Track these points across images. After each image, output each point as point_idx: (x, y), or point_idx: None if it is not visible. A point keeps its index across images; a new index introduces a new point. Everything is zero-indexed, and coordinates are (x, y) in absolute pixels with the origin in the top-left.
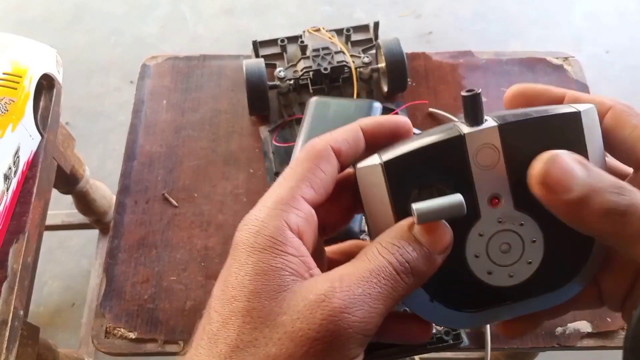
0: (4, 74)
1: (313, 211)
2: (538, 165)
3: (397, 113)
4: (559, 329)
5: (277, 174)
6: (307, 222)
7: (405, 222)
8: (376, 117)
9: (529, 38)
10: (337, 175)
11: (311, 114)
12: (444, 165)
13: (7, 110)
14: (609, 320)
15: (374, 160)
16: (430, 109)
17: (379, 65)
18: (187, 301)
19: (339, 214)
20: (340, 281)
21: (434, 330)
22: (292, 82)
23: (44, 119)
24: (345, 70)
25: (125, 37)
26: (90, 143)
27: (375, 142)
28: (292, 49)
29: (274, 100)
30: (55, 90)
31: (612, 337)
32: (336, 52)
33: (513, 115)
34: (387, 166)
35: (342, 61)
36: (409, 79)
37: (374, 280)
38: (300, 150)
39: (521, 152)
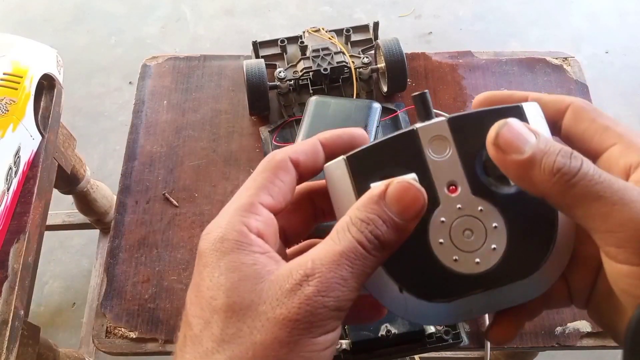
0: (4, 74)
1: (272, 216)
2: (492, 129)
3: (397, 114)
4: (559, 329)
5: None
6: (266, 226)
7: (374, 192)
8: (334, 130)
9: (529, 38)
10: (296, 186)
11: (311, 113)
12: (401, 157)
13: (8, 111)
14: None
15: (339, 157)
16: None
17: (379, 66)
18: None
19: (300, 222)
20: (313, 267)
21: (433, 330)
22: (292, 82)
23: (45, 119)
24: (345, 71)
25: (125, 37)
26: (91, 143)
27: (333, 153)
28: (292, 50)
29: (274, 100)
30: (55, 90)
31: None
32: (336, 53)
33: (462, 112)
34: (350, 160)
35: (342, 61)
36: (408, 79)
37: (345, 262)
38: (261, 161)
39: (470, 141)
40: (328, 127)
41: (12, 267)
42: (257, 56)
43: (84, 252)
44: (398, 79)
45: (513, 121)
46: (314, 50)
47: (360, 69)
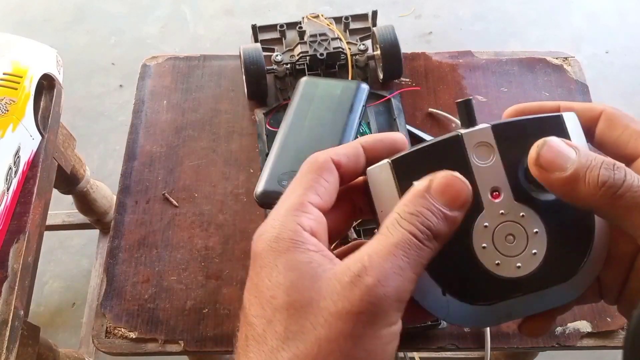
0: (4, 74)
1: (322, 215)
2: (533, 150)
3: (389, 99)
4: (559, 329)
5: (267, 156)
6: (318, 224)
7: (419, 187)
8: (376, 135)
9: (529, 38)
10: (339, 187)
11: (300, 93)
12: (446, 162)
13: (8, 111)
14: (609, 320)
15: (383, 161)
16: (430, 109)
17: (375, 53)
18: (187, 301)
19: (341, 221)
20: (370, 260)
21: None
22: (288, 66)
23: (45, 119)
24: (342, 57)
25: (125, 37)
26: (91, 143)
27: (375, 156)
28: (292, 35)
29: (271, 84)
30: (55, 90)
31: (612, 337)
32: (333, 39)
33: (505, 120)
34: (395, 164)
35: (339, 47)
36: (408, 79)
37: (400, 253)
38: (304, 163)
39: (514, 148)
40: (316, 107)
41: (12, 267)
42: (256, 40)
43: (84, 252)
44: (393, 65)
45: (552, 140)
46: (311, 36)
47: (357, 56)
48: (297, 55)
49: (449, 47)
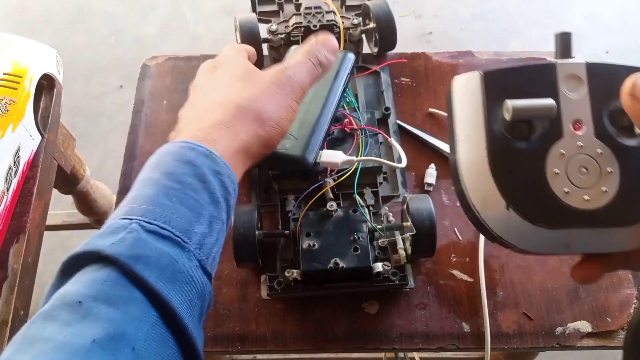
0: (4, 74)
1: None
2: (628, 80)
3: (377, 71)
4: (559, 329)
5: None
6: (254, 57)
7: (313, 40)
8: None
9: (529, 38)
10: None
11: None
12: (536, 85)
13: (8, 111)
14: (609, 320)
15: (474, 72)
16: (430, 109)
17: (368, 27)
18: None
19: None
20: (288, 63)
21: (381, 270)
22: (283, 36)
23: (44, 119)
24: (336, 31)
25: (125, 37)
26: (91, 143)
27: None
28: (290, 8)
29: (268, 58)
30: (55, 90)
31: (612, 337)
32: (327, 12)
33: (602, 62)
34: (486, 76)
35: (332, 20)
36: (408, 79)
37: (302, 60)
38: (228, 46)
39: (604, 89)
40: None
41: (12, 267)
42: (254, 11)
43: None
44: (388, 35)
45: None
46: (306, 8)
47: (350, 30)
48: (292, 26)
49: (449, 47)
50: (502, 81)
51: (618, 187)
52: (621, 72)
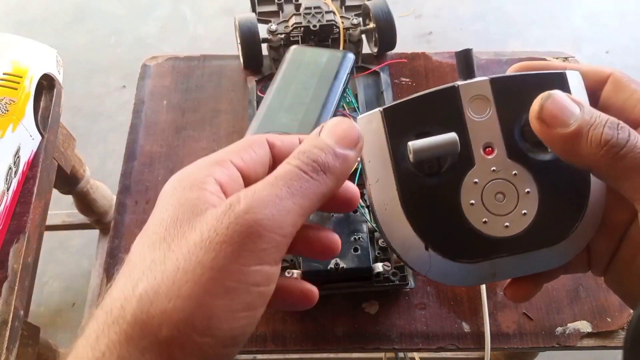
0: (4, 74)
1: (239, 174)
2: (536, 102)
3: (376, 71)
4: (559, 329)
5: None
6: (231, 180)
7: (314, 132)
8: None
9: (529, 38)
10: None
11: (288, 60)
12: (439, 114)
13: (8, 111)
14: (609, 320)
15: (375, 110)
16: None
17: (368, 27)
18: None
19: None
20: (246, 191)
21: (381, 270)
22: (283, 36)
23: (45, 119)
24: (335, 30)
25: (125, 37)
26: (91, 143)
27: None
28: (289, 9)
29: (267, 57)
30: (55, 90)
31: (612, 337)
32: (327, 12)
33: (505, 74)
34: (386, 113)
35: (332, 20)
36: (408, 79)
37: (281, 183)
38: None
39: (512, 104)
40: (302, 74)
41: (12, 267)
42: (253, 10)
43: (84, 252)
44: (387, 35)
45: (557, 93)
46: (306, 8)
47: (350, 30)
48: (291, 26)
49: (449, 47)
50: (403, 115)
51: (538, 207)
52: (527, 82)
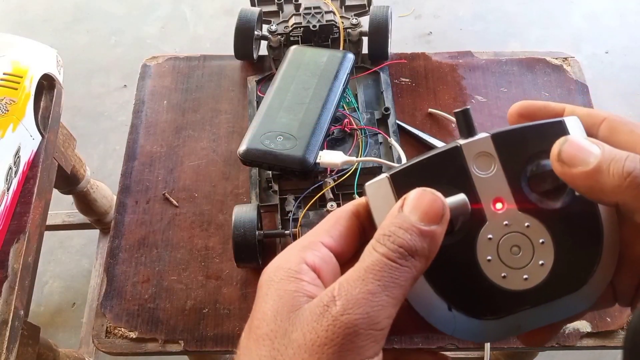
0: (4, 74)
1: (331, 254)
2: (555, 147)
3: (376, 71)
4: None
5: None
6: (324, 262)
7: (395, 206)
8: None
9: (529, 38)
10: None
11: (288, 60)
12: (446, 175)
13: (8, 111)
14: (609, 320)
15: (381, 176)
16: (430, 110)
17: (368, 29)
18: (187, 301)
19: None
20: (339, 288)
21: None
22: (282, 37)
23: (45, 119)
24: (334, 30)
25: (125, 37)
26: (91, 143)
27: None
28: (289, 9)
29: (267, 57)
30: (55, 90)
31: (611, 337)
32: (327, 12)
33: (505, 128)
34: (394, 178)
35: (332, 20)
36: (408, 79)
37: (371, 277)
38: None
39: (516, 157)
40: (302, 73)
41: (12, 267)
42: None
43: (84, 252)
44: (378, 43)
45: (573, 136)
46: (306, 8)
47: (349, 30)
48: (291, 26)
49: (449, 47)
50: (410, 179)
51: (554, 256)
52: (528, 133)
